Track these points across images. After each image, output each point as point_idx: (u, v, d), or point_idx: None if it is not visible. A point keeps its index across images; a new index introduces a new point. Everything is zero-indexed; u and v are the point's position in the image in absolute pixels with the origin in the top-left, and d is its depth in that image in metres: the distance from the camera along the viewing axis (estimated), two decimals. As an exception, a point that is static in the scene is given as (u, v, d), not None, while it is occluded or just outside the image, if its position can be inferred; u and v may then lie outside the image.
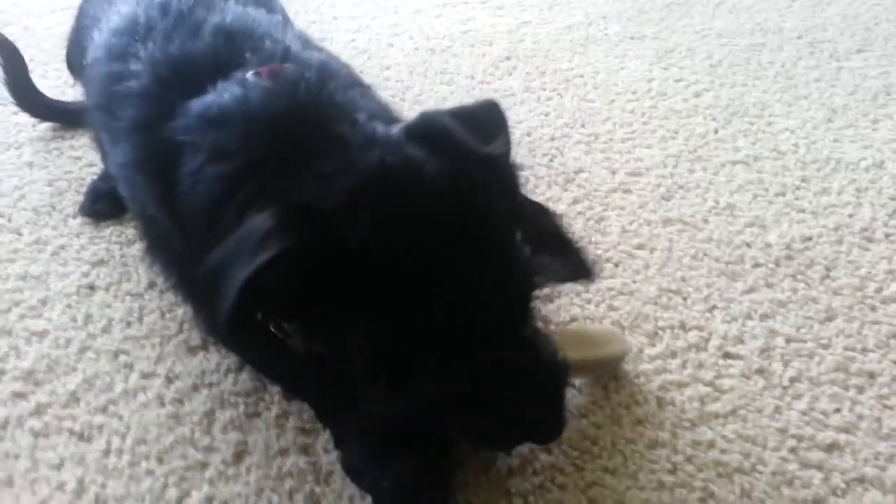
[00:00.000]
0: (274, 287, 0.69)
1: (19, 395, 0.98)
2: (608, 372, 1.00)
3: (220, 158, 0.78)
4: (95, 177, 1.33)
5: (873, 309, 1.11)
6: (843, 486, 0.88)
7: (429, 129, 0.77)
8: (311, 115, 0.80)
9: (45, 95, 1.47)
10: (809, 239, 1.23)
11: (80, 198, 1.29)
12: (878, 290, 1.13)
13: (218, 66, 0.87)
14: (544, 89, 1.63)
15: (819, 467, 0.90)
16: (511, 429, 0.80)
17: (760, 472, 0.90)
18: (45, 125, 1.49)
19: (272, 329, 0.81)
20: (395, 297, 0.69)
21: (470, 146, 0.77)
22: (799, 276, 1.16)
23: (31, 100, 1.45)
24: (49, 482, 0.88)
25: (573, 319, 1.08)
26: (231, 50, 0.90)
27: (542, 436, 0.82)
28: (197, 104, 0.83)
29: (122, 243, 1.21)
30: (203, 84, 0.84)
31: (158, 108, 0.85)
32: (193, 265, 0.75)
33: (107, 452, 0.91)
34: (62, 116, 1.47)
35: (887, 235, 1.24)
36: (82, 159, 1.40)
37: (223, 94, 0.82)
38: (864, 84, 1.65)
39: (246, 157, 0.77)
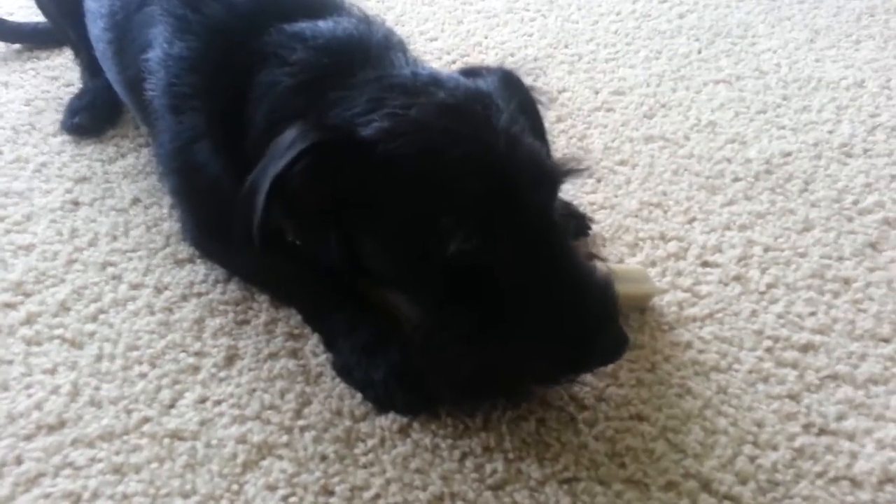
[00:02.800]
0: (302, 190, 0.79)
1: (9, 306, 1.00)
2: (636, 309, 1.02)
3: (296, 70, 0.88)
4: (72, 95, 1.33)
5: (850, 220, 1.15)
6: (816, 382, 0.94)
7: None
8: (373, 53, 0.90)
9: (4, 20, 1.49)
10: (789, 154, 1.27)
11: (60, 117, 1.30)
12: (855, 202, 1.18)
13: (313, 10, 0.97)
14: (528, 10, 1.65)
15: (794, 366, 0.95)
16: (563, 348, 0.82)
17: (736, 371, 0.95)
18: (17, 46, 1.49)
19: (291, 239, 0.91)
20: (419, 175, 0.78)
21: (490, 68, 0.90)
22: (778, 190, 1.20)
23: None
24: (44, 386, 0.92)
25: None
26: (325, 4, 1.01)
27: (603, 354, 0.84)
28: (292, 26, 0.93)
29: (104, 161, 1.23)
30: (296, 18, 0.94)
31: (250, 24, 0.94)
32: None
33: (99, 358, 0.95)
34: (29, 37, 1.48)
35: (866, 151, 1.28)
36: (59, 79, 1.41)
37: (318, 23, 0.93)
38: (848, 5, 1.68)
39: (316, 73, 0.88)
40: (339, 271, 0.92)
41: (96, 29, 1.14)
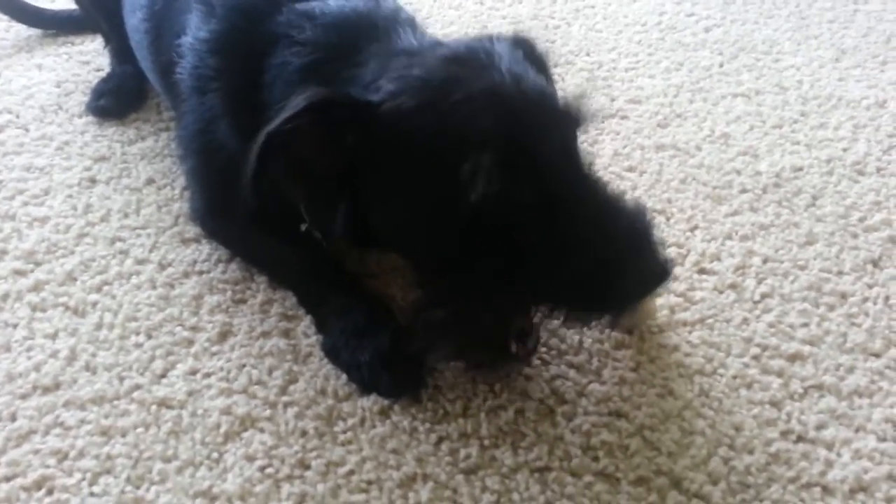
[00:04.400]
0: (301, 149, 0.81)
1: (19, 273, 1.06)
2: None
3: (305, 51, 0.91)
4: (99, 79, 1.40)
5: (854, 236, 1.16)
6: (800, 391, 0.94)
7: None
8: (381, 27, 0.92)
9: (31, 4, 1.56)
10: (800, 169, 1.28)
11: (86, 99, 1.36)
12: (862, 220, 1.18)
13: None
14: (553, 17, 1.68)
15: (779, 374, 0.96)
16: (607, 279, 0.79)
17: (721, 375, 0.96)
18: (52, 32, 1.57)
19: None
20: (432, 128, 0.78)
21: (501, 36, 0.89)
22: (784, 203, 1.21)
23: (19, 10, 1.54)
24: (43, 349, 0.96)
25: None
26: None
27: (647, 282, 0.82)
28: (302, 5, 0.95)
29: (124, 142, 1.29)
30: None
31: (267, 4, 0.96)
32: None
33: (99, 326, 0.99)
34: (64, 24, 1.56)
35: (879, 169, 1.28)
36: (90, 63, 1.47)
37: (328, 0, 0.95)
38: (879, 27, 1.68)
39: (325, 52, 0.90)
40: (336, 256, 0.95)
41: (134, 20, 1.19)
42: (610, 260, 0.78)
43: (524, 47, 0.91)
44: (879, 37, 1.64)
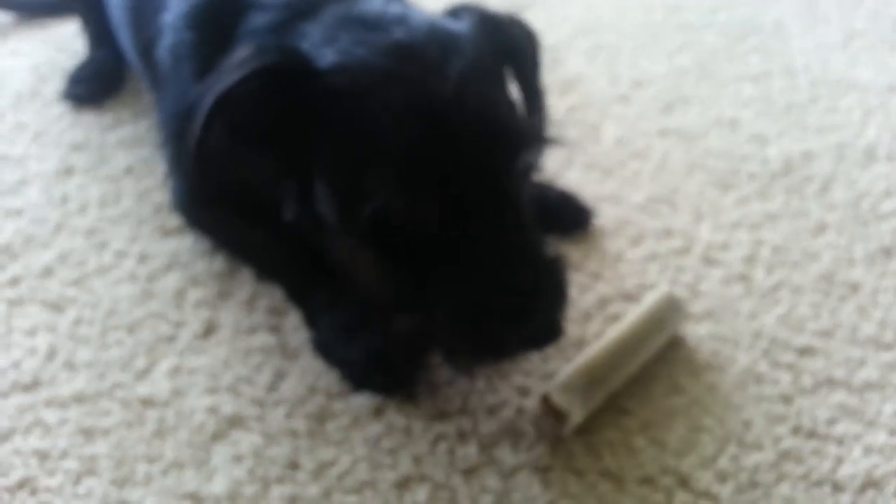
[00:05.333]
0: (247, 113, 0.78)
1: (-6, 267, 1.05)
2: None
3: (270, 14, 0.87)
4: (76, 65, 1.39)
5: (866, 224, 1.16)
6: (811, 386, 0.95)
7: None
8: None
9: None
10: (810, 155, 1.28)
11: (63, 85, 1.35)
12: (873, 207, 1.18)
13: None
14: (551, -2, 1.68)
15: (789, 368, 0.96)
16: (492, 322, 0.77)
17: (729, 370, 0.96)
18: (27, 16, 1.55)
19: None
20: (362, 117, 0.75)
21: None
22: (794, 190, 1.21)
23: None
24: (22, 346, 0.96)
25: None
26: None
27: (528, 339, 0.78)
28: None
29: (102, 129, 1.28)
30: None
31: None
32: None
33: (78, 322, 0.99)
34: (38, 8, 1.55)
35: (889, 156, 1.28)
36: (66, 48, 1.46)
37: None
38: (888, 10, 1.68)
39: (289, 12, 0.86)
40: (318, 244, 0.94)
41: None
42: (491, 306, 0.75)
43: (490, 26, 0.86)
44: (889, 20, 1.64)
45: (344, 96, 0.76)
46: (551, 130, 0.83)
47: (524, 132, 0.80)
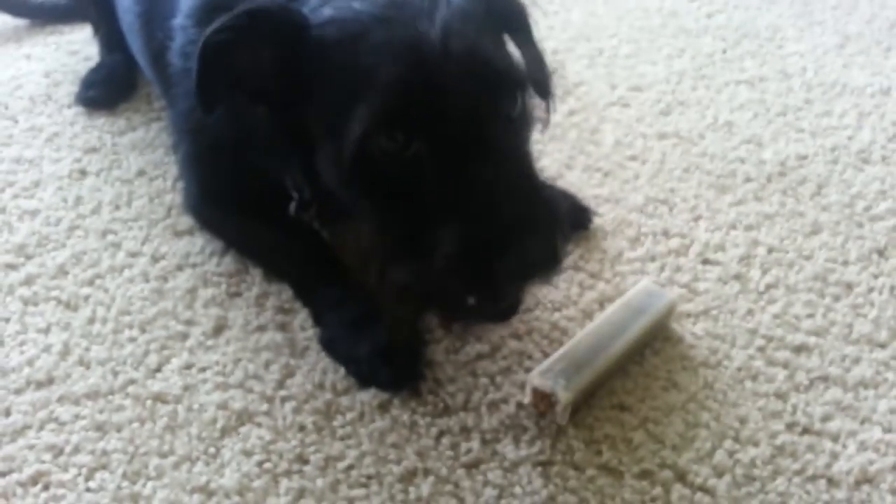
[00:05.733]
0: (243, 58, 0.81)
1: (10, 267, 1.06)
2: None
3: None
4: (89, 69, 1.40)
5: (860, 225, 1.17)
6: (806, 383, 0.96)
7: None
8: None
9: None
10: (805, 157, 1.29)
11: (76, 89, 1.37)
12: (867, 209, 1.20)
13: None
14: (552, 3, 1.68)
15: (785, 365, 0.97)
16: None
17: (725, 367, 0.97)
18: (40, 22, 1.57)
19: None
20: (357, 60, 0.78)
21: None
22: (789, 192, 1.22)
23: (6, 0, 1.55)
24: (36, 344, 0.97)
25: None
26: None
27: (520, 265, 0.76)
28: None
29: (114, 133, 1.29)
30: None
31: None
32: None
33: (92, 320, 1.00)
34: (52, 14, 1.56)
35: (884, 158, 1.29)
36: (79, 53, 1.48)
37: None
38: (883, 14, 1.69)
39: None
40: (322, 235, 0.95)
41: (126, 1, 1.19)
42: (489, 236, 0.75)
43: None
44: (884, 23, 1.65)
45: (335, 44, 0.79)
46: (554, 82, 0.84)
47: (510, 73, 0.81)
